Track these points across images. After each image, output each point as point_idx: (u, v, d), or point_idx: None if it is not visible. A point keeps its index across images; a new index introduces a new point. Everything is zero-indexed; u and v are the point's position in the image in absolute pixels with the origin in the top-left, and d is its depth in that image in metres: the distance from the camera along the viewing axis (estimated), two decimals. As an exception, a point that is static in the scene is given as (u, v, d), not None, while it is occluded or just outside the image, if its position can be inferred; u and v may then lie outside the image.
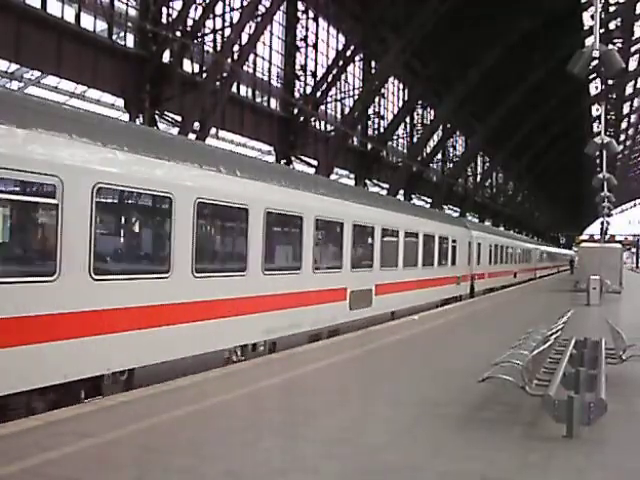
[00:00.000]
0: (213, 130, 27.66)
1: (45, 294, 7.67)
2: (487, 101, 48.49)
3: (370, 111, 42.20)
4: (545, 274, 61.26)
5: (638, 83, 60.67)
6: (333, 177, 35.55)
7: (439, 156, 56.77)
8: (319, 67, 36.67)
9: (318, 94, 35.12)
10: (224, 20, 28.37)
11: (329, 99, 37.12)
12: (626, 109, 66.96)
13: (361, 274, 16.76)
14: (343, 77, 37.22)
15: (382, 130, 43.93)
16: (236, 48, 26.89)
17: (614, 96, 57.48)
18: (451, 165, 58.80)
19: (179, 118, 25.30)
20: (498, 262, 36.71)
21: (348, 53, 36.09)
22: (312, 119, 34.91)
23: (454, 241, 26.25)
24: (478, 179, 68.25)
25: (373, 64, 41.38)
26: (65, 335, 7.88)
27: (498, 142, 57.92)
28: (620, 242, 57.14)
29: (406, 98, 48.12)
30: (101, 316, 8.39)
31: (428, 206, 47.76)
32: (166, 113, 25.26)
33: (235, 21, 27.30)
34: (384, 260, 18.17)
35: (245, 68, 29.32)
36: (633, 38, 49.15)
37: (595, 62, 12.61)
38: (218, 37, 27.99)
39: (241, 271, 11.43)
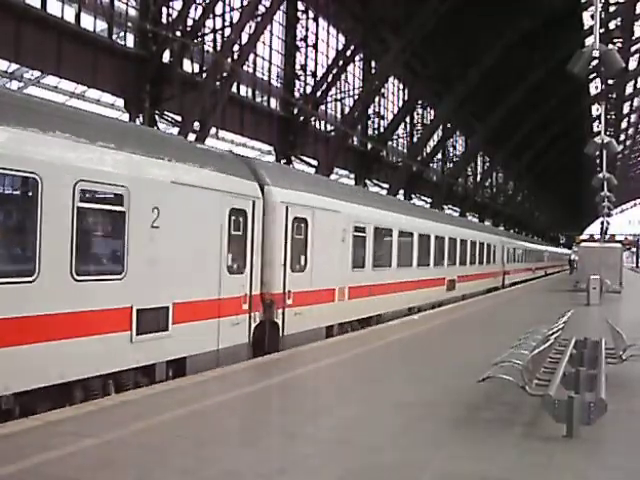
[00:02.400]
0: (213, 130, 27.66)
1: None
2: (487, 101, 48.46)
3: (370, 111, 42.13)
4: (523, 279, 45.44)
5: (638, 83, 60.69)
6: (333, 177, 35.48)
7: (439, 156, 56.73)
8: (319, 67, 36.62)
9: (318, 94, 35.08)
10: (224, 20, 28.34)
11: (329, 99, 37.06)
12: (626, 109, 66.98)
13: None
14: (343, 77, 37.16)
15: (382, 130, 43.89)
16: (236, 48, 26.86)
17: (614, 96, 57.48)
18: (451, 165, 58.78)
19: (179, 118, 25.29)
20: (393, 264, 19.54)
21: (348, 53, 36.05)
22: (312, 119, 34.88)
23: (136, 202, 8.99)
24: (478, 179, 68.23)
25: (373, 64, 41.34)
26: None
27: (498, 142, 57.87)
28: (620, 242, 56.99)
29: (406, 98, 48.09)
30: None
31: (428, 206, 47.38)
32: (166, 113, 25.25)
33: (235, 21, 27.26)
34: None
35: (245, 68, 29.30)
36: (633, 38, 49.15)
37: (595, 62, 12.61)
38: (218, 37, 27.97)
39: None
